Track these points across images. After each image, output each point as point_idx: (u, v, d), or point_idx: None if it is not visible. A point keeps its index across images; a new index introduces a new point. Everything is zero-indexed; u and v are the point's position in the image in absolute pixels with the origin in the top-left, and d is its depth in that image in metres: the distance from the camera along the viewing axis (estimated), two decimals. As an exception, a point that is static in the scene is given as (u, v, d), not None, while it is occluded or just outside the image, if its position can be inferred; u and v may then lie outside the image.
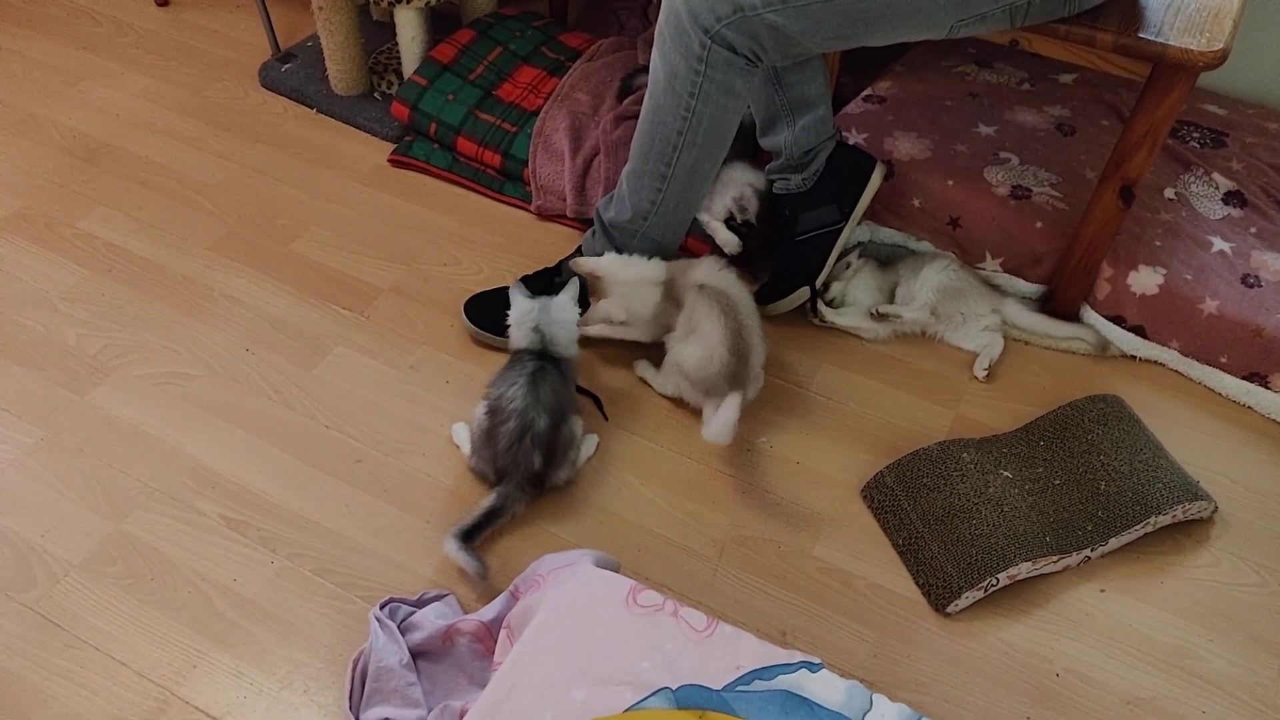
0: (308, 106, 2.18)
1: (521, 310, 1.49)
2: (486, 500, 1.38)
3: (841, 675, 1.04)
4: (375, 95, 2.18)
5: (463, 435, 1.51)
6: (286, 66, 2.24)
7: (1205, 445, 1.57)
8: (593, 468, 1.51)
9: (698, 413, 1.58)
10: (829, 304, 1.72)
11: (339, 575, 1.36)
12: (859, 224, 1.73)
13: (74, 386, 1.58)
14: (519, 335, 1.48)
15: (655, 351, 1.60)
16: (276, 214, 1.91)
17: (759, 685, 1.03)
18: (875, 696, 1.02)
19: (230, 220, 1.88)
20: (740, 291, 1.52)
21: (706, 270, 1.52)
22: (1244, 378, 1.62)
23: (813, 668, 1.04)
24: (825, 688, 1.02)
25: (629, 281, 1.55)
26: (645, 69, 2.01)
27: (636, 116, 1.93)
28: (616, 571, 1.22)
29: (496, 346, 1.65)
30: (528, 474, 1.40)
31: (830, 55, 1.66)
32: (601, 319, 1.55)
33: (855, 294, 1.71)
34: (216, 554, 1.37)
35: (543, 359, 1.45)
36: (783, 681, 1.03)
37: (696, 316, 1.49)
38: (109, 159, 2.00)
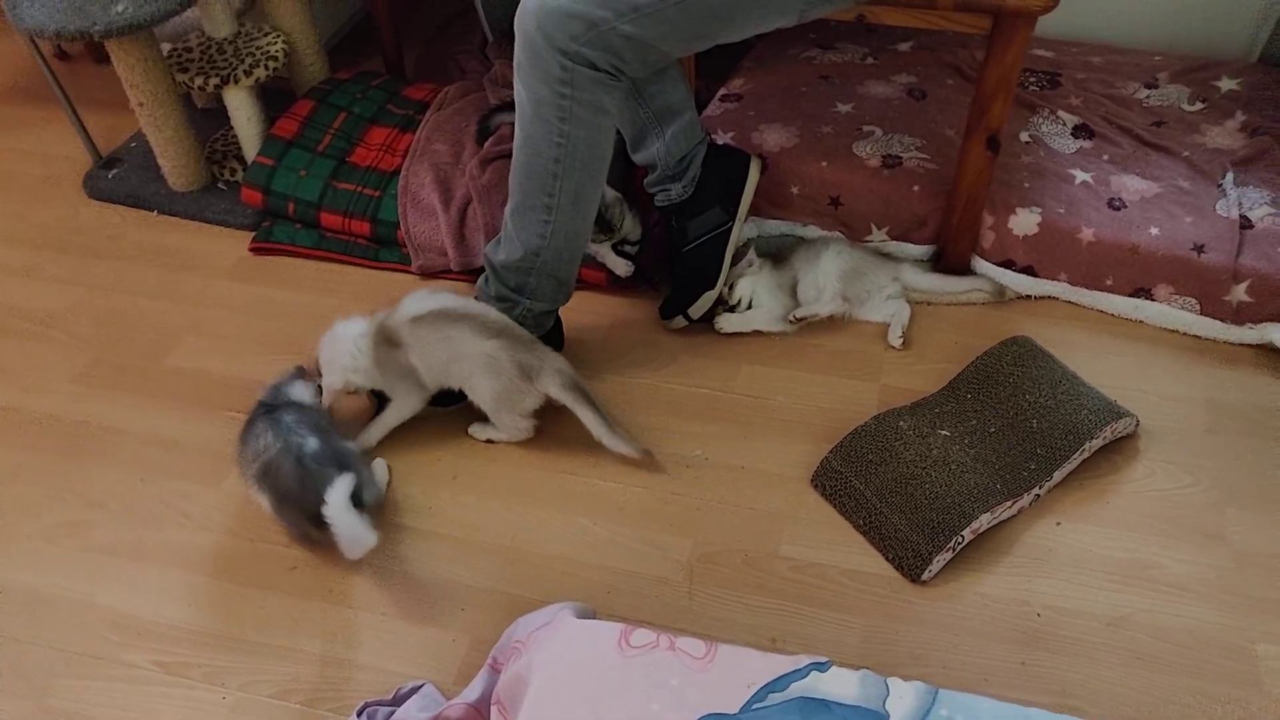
0: (147, 210, 2.05)
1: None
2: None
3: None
4: (219, 185, 2.07)
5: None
6: (114, 172, 2.11)
7: (1111, 365, 1.64)
8: (540, 517, 1.45)
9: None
10: (733, 308, 1.71)
11: (301, 693, 1.26)
12: (744, 221, 1.73)
13: (-48, 561, 1.42)
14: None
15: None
16: (140, 330, 1.77)
17: (774, 699, 1.00)
18: (889, 681, 1.00)
19: (90, 347, 1.74)
20: (457, 298, 1.52)
21: (414, 302, 1.50)
22: (1130, 295, 1.70)
23: (821, 667, 1.02)
24: (839, 684, 1.00)
25: (332, 358, 1.49)
26: (500, 108, 1.98)
27: (502, 158, 1.91)
28: (594, 619, 1.17)
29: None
30: None
31: (686, 59, 1.66)
32: (329, 394, 1.49)
33: (760, 298, 1.70)
34: (159, 705, 1.25)
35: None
36: (796, 689, 1.00)
37: (439, 356, 1.46)
38: (-63, 307, 1.83)
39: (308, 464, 1.32)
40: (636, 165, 1.72)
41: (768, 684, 1.00)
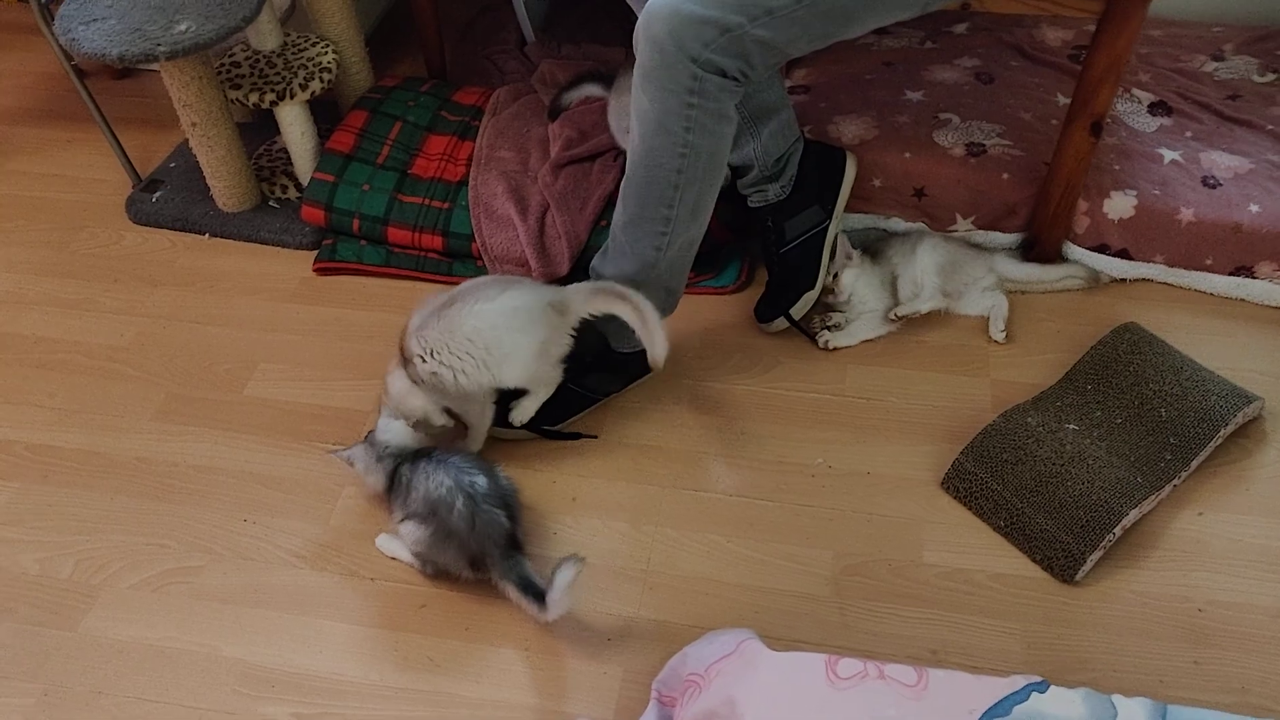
0: (198, 233, 1.96)
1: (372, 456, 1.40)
2: (508, 588, 1.26)
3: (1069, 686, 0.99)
4: (271, 204, 1.98)
5: (393, 546, 1.39)
6: (157, 195, 2.01)
7: (1220, 346, 1.62)
8: (671, 537, 1.41)
9: (750, 454, 1.51)
10: (830, 326, 1.67)
11: (458, 741, 1.21)
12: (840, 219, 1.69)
13: (59, 621, 1.34)
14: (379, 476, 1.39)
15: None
16: (214, 360, 1.70)
17: (995, 724, 0.97)
18: (1114, 699, 0.98)
19: (164, 381, 1.67)
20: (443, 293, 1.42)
21: (416, 317, 1.41)
22: (1230, 273, 1.68)
23: (1039, 688, 0.99)
24: (1062, 705, 0.97)
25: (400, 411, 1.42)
26: (570, 86, 1.90)
27: (574, 162, 1.86)
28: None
29: (510, 439, 1.52)
30: (502, 538, 1.27)
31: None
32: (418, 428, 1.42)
33: (861, 294, 1.66)
34: (309, 761, 1.20)
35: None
36: (1020, 713, 0.97)
37: (456, 349, 1.36)
38: (-6, 348, 1.74)
39: (479, 504, 1.27)
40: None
41: (989, 709, 0.97)
